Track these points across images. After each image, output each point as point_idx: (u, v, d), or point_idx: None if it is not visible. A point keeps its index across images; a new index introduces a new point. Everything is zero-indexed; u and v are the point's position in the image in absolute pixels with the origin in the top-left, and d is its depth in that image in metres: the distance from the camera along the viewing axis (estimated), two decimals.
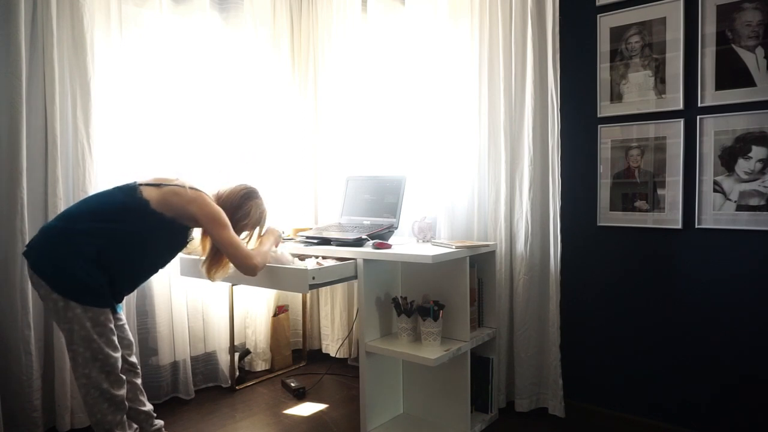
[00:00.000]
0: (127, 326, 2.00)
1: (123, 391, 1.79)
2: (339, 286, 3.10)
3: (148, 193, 1.83)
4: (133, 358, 2.01)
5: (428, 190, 2.69)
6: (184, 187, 1.87)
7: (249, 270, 1.94)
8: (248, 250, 1.97)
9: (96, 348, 1.72)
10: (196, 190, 1.89)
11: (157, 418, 2.04)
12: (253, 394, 2.75)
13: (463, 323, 2.20)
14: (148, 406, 2.02)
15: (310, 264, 2.24)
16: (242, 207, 2.03)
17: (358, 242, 2.30)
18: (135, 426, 1.90)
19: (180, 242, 1.97)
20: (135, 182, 1.89)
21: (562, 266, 2.35)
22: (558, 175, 2.33)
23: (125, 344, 1.95)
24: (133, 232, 1.79)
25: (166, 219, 1.83)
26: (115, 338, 1.79)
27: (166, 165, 2.59)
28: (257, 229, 2.15)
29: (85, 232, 1.73)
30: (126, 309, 2.39)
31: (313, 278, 2.05)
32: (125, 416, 1.81)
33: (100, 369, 1.73)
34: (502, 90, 2.44)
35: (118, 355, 1.79)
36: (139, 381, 2.00)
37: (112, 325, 1.78)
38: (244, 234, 2.11)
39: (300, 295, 3.23)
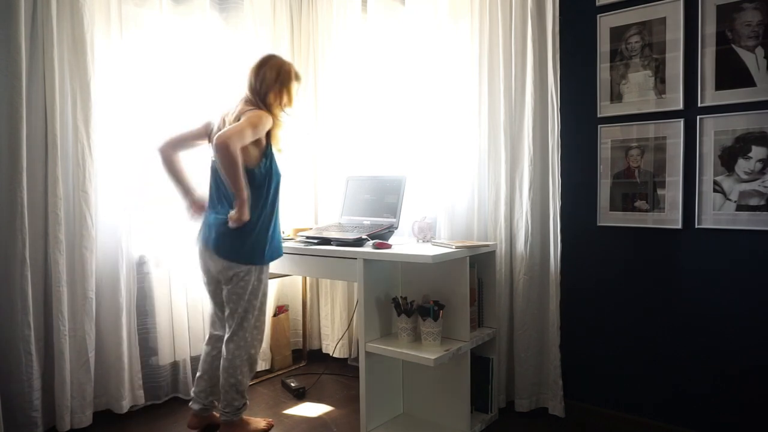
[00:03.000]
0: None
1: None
2: (339, 286, 3.10)
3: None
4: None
5: (428, 190, 2.69)
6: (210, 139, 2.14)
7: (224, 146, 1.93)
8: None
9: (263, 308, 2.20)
10: (219, 133, 1.94)
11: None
12: (253, 394, 2.75)
13: (463, 323, 2.20)
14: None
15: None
16: (262, 86, 2.13)
17: (358, 242, 2.30)
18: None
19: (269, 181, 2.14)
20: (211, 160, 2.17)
21: (562, 266, 2.35)
22: (558, 175, 2.33)
23: None
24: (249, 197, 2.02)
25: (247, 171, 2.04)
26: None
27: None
28: (294, 87, 2.21)
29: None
30: (126, 309, 2.40)
31: None
32: None
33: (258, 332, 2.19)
34: (502, 90, 2.44)
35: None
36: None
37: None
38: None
39: (300, 295, 3.23)
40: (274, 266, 2.54)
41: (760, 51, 1.93)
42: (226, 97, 2.82)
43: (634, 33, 2.19)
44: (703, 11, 2.02)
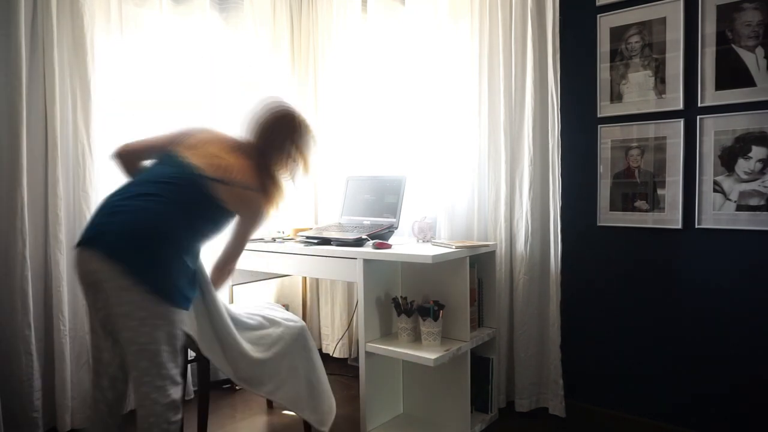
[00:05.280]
0: None
1: None
2: (339, 286, 3.10)
3: None
4: None
5: (428, 190, 2.69)
6: None
7: None
8: None
9: None
10: None
11: None
12: (253, 394, 2.74)
13: (463, 323, 2.20)
14: None
15: None
16: (270, 148, 1.80)
17: (359, 242, 2.30)
18: None
19: None
20: None
21: (562, 266, 2.35)
22: (558, 175, 2.33)
23: None
24: None
25: None
26: None
27: None
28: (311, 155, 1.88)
29: None
30: None
31: None
32: None
33: None
34: (502, 90, 2.44)
35: None
36: None
37: None
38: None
39: (300, 295, 3.23)
40: (274, 266, 2.55)
41: (760, 51, 1.93)
42: (226, 98, 2.84)
43: (634, 33, 2.19)
44: (703, 11, 2.02)
